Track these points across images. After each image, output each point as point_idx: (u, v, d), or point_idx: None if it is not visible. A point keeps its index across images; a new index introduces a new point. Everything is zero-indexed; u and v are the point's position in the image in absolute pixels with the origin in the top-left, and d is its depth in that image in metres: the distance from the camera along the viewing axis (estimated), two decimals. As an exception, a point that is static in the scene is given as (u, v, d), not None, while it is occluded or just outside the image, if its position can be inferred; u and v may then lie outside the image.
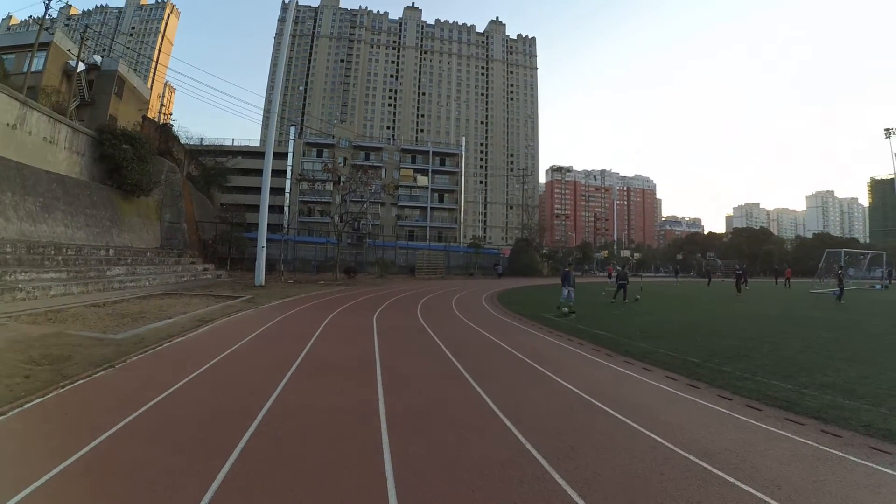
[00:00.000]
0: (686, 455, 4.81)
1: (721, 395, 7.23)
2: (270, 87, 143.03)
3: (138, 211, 30.52)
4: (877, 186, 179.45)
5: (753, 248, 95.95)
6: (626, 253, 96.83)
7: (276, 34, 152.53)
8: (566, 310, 17.38)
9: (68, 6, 70.82)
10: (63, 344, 8.97)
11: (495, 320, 15.92)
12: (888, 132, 60.04)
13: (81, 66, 36.67)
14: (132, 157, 28.30)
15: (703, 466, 4.54)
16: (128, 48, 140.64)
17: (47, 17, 36.29)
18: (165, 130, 39.91)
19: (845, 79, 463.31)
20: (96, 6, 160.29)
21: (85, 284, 18.41)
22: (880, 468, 4.64)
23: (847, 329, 14.69)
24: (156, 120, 43.95)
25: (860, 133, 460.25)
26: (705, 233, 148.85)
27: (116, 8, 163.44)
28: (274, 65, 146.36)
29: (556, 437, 5.21)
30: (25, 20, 34.15)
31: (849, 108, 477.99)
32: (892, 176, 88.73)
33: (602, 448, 4.95)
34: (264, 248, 27.26)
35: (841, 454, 4.97)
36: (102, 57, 43.02)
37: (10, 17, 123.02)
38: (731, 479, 4.27)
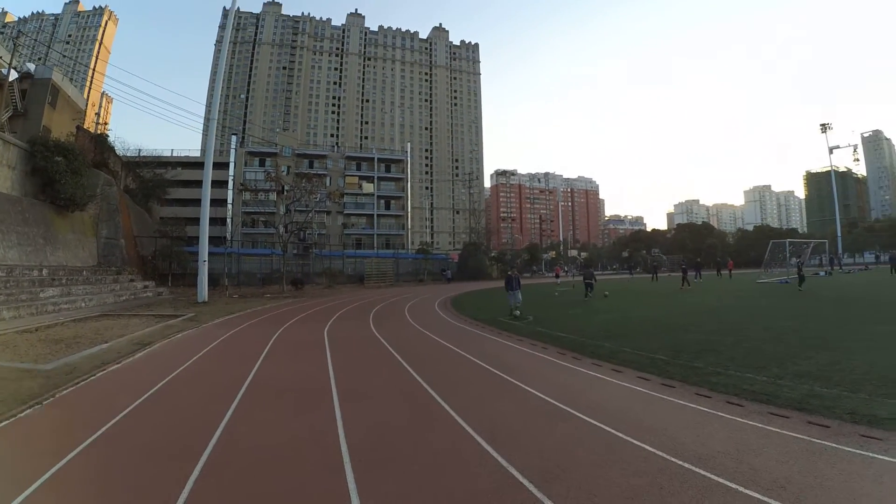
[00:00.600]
0: (681, 463, 4.54)
1: (699, 392, 7.09)
2: (211, 95, 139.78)
3: (73, 227, 29.13)
4: (812, 179, 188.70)
5: (697, 242, 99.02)
6: (574, 253, 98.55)
7: (216, 41, 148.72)
8: (518, 313, 17.35)
9: (3, 13, 67.70)
10: (-15, 378, 8.41)
11: (451, 327, 15.61)
12: (824, 127, 63.41)
13: (14, 75, 35.09)
14: (66, 169, 26.82)
15: (701, 474, 4.29)
16: (64, 56, 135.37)
17: None
18: (101, 141, 38.34)
19: (783, 78, 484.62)
20: (32, 13, 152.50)
21: (17, 308, 17.36)
22: (876, 456, 4.57)
23: (805, 316, 14.94)
24: (91, 130, 42.42)
25: (794, 128, 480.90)
26: (649, 230, 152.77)
27: (53, 15, 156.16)
28: (214, 72, 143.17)
29: (538, 455, 4.81)
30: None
31: (785, 105, 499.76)
32: (828, 169, 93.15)
33: (591, 464, 4.60)
34: (206, 263, 26.33)
35: (834, 445, 4.87)
36: (36, 65, 41.32)
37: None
38: (734, 485, 4.05)
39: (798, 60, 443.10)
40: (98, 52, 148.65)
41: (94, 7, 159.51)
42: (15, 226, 23.68)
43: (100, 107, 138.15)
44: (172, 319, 17.31)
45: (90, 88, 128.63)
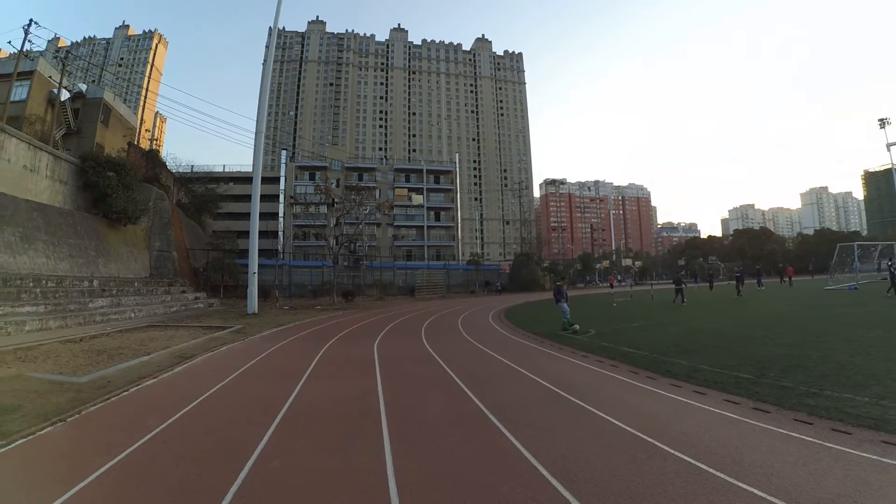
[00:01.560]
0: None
1: (797, 418, 6.01)
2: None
3: (125, 240, 29.39)
4: (871, 179, 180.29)
5: (756, 248, 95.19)
6: (628, 262, 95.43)
7: (263, 60, 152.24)
8: (577, 327, 16.09)
9: (56, 39, 70.49)
10: (18, 390, 7.78)
11: (509, 342, 14.50)
12: (882, 122, 59.14)
13: (65, 95, 35.85)
14: (117, 184, 27.33)
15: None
16: (117, 78, 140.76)
17: (33, 49, 35.59)
18: (152, 157, 38.92)
19: (836, 77, 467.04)
20: (84, 38, 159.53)
21: (64, 318, 17.20)
22: None
23: (888, 325, 13.43)
24: (143, 147, 42.99)
25: (851, 129, 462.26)
26: (704, 237, 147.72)
27: (104, 39, 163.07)
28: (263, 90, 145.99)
29: (631, 506, 3.85)
30: (14, 53, 33.54)
31: (841, 104, 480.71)
32: (888, 166, 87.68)
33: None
34: (256, 275, 26.00)
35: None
36: (88, 85, 42.32)
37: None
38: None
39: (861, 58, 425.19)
40: (150, 74, 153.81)
41: (144, 31, 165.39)
42: (66, 238, 23.98)
43: (154, 126, 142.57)
44: (219, 331, 16.69)
45: (143, 109, 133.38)
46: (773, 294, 32.14)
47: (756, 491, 4.02)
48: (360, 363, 11.03)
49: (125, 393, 7.98)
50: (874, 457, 4.64)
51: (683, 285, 27.53)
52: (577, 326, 16.05)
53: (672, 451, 5.05)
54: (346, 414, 6.76)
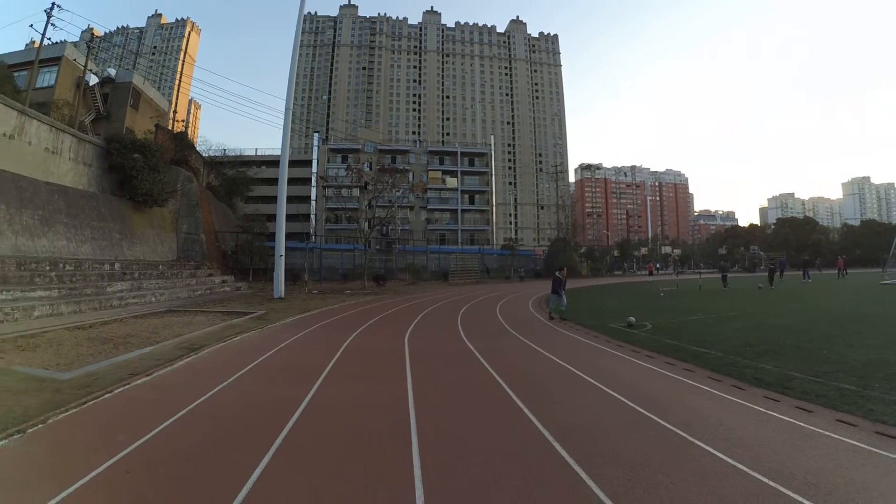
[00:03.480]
0: None
1: None
2: (294, 98, 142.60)
3: (152, 222, 28.64)
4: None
5: (800, 238, 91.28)
6: (667, 250, 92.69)
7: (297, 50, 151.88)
8: (632, 319, 14.43)
9: (90, 29, 70.56)
10: (-9, 388, 6.56)
11: (556, 336, 12.82)
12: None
13: (94, 79, 35.41)
14: (143, 166, 26.59)
15: None
16: (151, 66, 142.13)
17: (66, 40, 35.21)
18: (181, 139, 38.10)
19: (874, 67, 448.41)
20: (117, 27, 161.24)
21: (77, 303, 16.23)
22: None
23: None
24: (171, 129, 42.35)
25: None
26: (745, 225, 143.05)
27: (137, 28, 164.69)
28: (296, 74, 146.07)
29: None
30: (47, 41, 33.51)
31: (882, 94, 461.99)
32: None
33: None
34: (282, 257, 24.87)
35: None
36: (117, 70, 41.95)
37: (32, 41, 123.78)
38: None
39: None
40: (183, 61, 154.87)
41: (177, 19, 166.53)
42: (90, 221, 23.30)
43: (188, 113, 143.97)
44: (239, 317, 15.51)
45: (178, 96, 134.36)
46: (826, 287, 29.89)
47: None
48: (389, 361, 9.50)
49: (107, 396, 6.65)
50: None
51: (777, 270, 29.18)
52: (632, 319, 14.36)
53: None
54: (366, 439, 5.10)
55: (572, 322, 15.41)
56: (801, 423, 5.50)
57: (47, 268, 18.01)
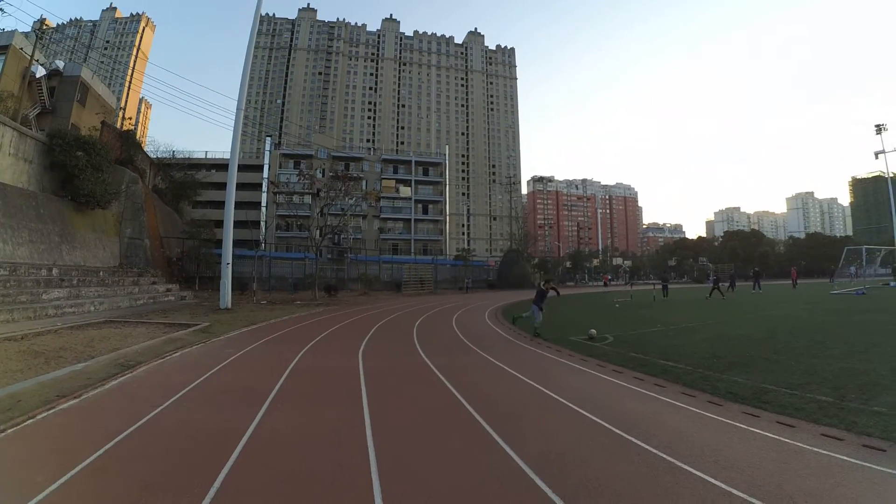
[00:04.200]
0: None
1: None
2: (248, 100, 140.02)
3: (94, 225, 27.22)
4: (858, 185, 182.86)
5: (747, 250, 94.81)
6: (619, 261, 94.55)
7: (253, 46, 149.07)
8: (593, 332, 14.28)
9: (41, 20, 67.63)
10: None
11: (518, 350, 12.35)
12: (879, 128, 57.99)
13: (41, 71, 33.60)
14: (86, 164, 25.28)
15: None
16: (102, 62, 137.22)
17: (17, 30, 33.39)
18: (127, 138, 36.52)
19: (822, 81, 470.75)
20: (70, 19, 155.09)
21: (10, 311, 15.06)
22: None
23: None
24: (118, 128, 40.68)
25: (836, 134, 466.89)
26: (694, 237, 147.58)
27: (91, 21, 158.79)
28: (251, 77, 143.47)
29: None
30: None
31: (826, 108, 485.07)
32: (875, 174, 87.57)
33: None
34: (229, 266, 23.72)
35: None
36: (65, 62, 40.05)
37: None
38: None
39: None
40: (136, 58, 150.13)
41: (132, 13, 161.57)
42: (28, 222, 21.94)
43: (138, 112, 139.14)
44: (182, 330, 14.60)
45: (128, 93, 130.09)
46: (779, 297, 30.62)
47: None
48: (342, 381, 8.77)
49: (28, 422, 5.84)
50: None
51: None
52: (593, 332, 14.22)
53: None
54: (320, 479, 4.43)
55: (530, 334, 14.96)
56: (787, 440, 5.33)
57: (-21, 272, 16.88)
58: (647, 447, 5.16)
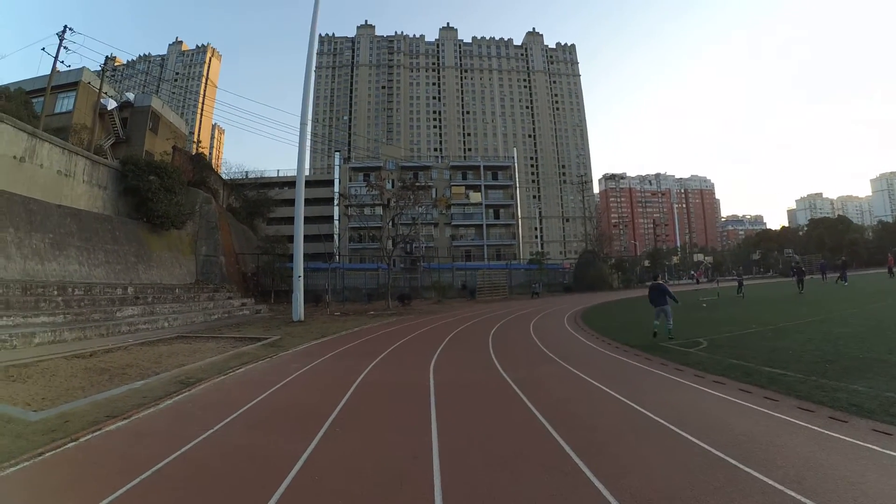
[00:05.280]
0: None
1: None
2: (315, 119, 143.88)
3: (169, 245, 27.98)
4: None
5: (835, 239, 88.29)
6: (699, 257, 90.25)
7: (316, 67, 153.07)
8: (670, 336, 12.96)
9: (112, 58, 71.45)
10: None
11: (604, 360, 11.20)
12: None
13: (112, 104, 35.19)
14: (159, 188, 26.15)
15: None
16: (173, 93, 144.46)
17: (87, 67, 35.03)
18: (199, 160, 37.58)
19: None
20: (139, 55, 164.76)
21: (83, 329, 15.33)
22: None
23: None
24: (190, 152, 41.94)
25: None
26: (777, 228, 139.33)
27: (159, 56, 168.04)
28: (317, 96, 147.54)
29: None
30: (65, 68, 33.55)
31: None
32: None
33: None
34: (301, 278, 23.75)
35: None
36: (136, 94, 41.92)
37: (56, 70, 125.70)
38: None
39: None
40: (205, 87, 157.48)
41: (198, 45, 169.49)
42: (103, 244, 22.75)
43: (212, 137, 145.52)
44: (251, 344, 14.33)
45: (201, 121, 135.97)
46: (877, 288, 27.84)
47: None
48: (410, 400, 7.97)
49: (70, 445, 5.54)
50: None
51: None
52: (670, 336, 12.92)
53: None
54: None
55: (615, 341, 13.85)
56: None
57: (55, 292, 17.25)
58: (771, 482, 4.16)
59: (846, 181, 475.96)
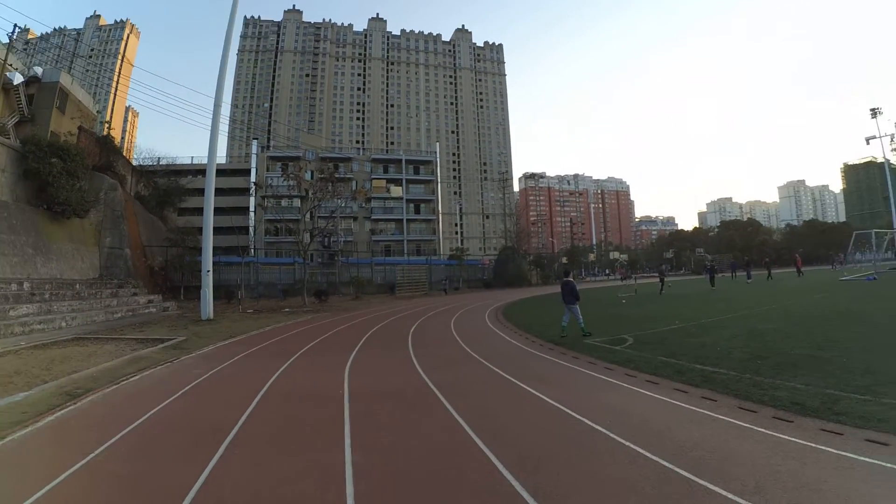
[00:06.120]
0: None
1: None
2: (235, 105, 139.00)
3: (71, 236, 25.80)
4: (850, 172, 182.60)
5: (745, 240, 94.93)
6: (615, 255, 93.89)
7: (238, 50, 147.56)
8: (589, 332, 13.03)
9: (26, 30, 66.02)
10: None
11: (532, 360, 10.65)
12: (874, 112, 57.04)
13: (18, 78, 32.18)
14: (61, 171, 23.87)
15: None
16: (87, 70, 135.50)
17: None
18: (106, 143, 35.02)
19: (810, 72, 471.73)
20: (54, 28, 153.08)
21: None
22: None
23: None
24: (97, 133, 39.22)
25: (825, 123, 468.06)
26: (689, 229, 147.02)
27: (75, 30, 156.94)
28: (238, 81, 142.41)
29: None
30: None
31: (815, 101, 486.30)
32: (867, 160, 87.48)
33: None
34: (210, 273, 22.19)
35: None
36: (44, 68, 38.63)
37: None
38: None
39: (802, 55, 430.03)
40: (121, 66, 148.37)
41: (116, 20, 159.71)
42: None
43: (125, 120, 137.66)
44: (153, 346, 13.24)
45: (114, 101, 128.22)
46: (789, 286, 29.62)
47: None
48: (321, 410, 7.06)
49: None
50: None
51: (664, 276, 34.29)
52: (590, 332, 13.02)
53: None
54: None
55: (539, 338, 13.55)
56: (882, 463, 4.23)
57: (-62, 290, 15.55)
58: (732, 497, 3.77)
59: (753, 188, 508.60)
